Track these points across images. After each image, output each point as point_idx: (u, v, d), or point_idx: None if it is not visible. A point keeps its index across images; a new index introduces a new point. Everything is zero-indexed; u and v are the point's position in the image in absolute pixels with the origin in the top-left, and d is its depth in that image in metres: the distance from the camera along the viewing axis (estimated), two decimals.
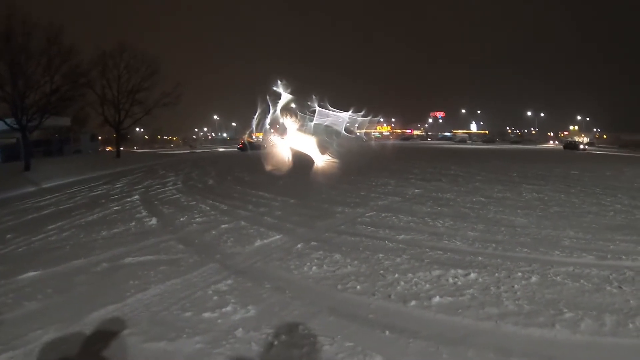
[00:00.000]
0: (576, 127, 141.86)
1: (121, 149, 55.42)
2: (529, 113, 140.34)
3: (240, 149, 67.34)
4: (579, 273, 6.98)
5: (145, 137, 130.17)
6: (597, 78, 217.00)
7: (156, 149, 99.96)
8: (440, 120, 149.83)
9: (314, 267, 7.10)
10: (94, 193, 17.74)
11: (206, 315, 5.32)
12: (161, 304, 5.67)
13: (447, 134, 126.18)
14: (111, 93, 49.52)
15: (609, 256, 7.99)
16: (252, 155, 48.88)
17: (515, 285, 6.37)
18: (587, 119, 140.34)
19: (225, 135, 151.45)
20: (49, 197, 17.35)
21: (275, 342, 4.67)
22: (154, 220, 11.12)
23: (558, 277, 6.74)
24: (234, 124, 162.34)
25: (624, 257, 7.97)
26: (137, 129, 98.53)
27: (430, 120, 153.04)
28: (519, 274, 6.86)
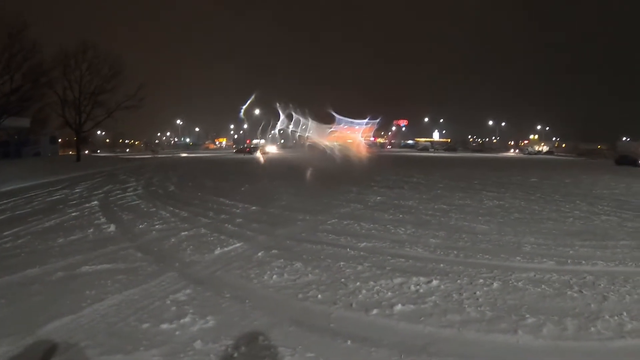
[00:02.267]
0: (536, 136, 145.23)
1: (82, 152, 54.48)
2: (490, 122, 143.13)
3: (247, 152, 79.55)
4: (540, 278, 7.05)
5: (107, 140, 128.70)
6: (557, 89, 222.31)
7: (118, 153, 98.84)
8: (404, 129, 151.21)
9: (274, 276, 6.99)
10: (52, 198, 17.34)
11: (164, 326, 5.16)
12: (118, 315, 5.49)
13: (409, 142, 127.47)
14: (72, 94, 48.57)
15: (569, 261, 8.11)
16: (223, 160, 48.87)
17: (477, 292, 6.37)
18: (547, 128, 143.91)
19: (188, 140, 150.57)
20: (5, 201, 16.94)
21: (235, 354, 4.56)
22: (112, 227, 10.87)
23: (519, 283, 6.79)
24: (197, 129, 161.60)
25: (583, 262, 8.11)
26: (99, 132, 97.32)
27: (393, 128, 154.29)
28: (481, 280, 6.88)
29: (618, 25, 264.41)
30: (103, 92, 49.82)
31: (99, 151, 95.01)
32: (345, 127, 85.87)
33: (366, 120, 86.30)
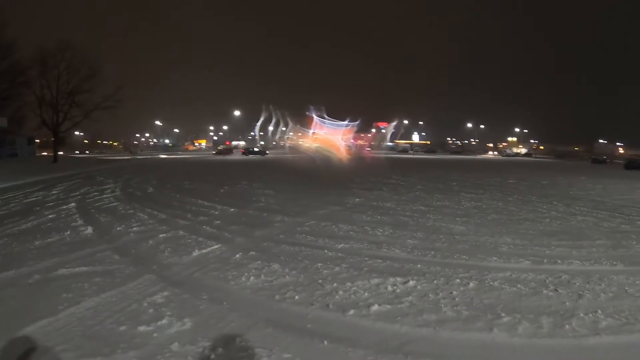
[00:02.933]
0: (514, 139, 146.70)
1: (59, 153, 53.86)
2: (469, 125, 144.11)
3: (242, 154, 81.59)
4: (516, 278, 7.13)
5: (85, 141, 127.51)
6: (535, 92, 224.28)
7: (96, 154, 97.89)
8: (384, 131, 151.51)
9: (251, 278, 6.97)
10: (29, 199, 17.10)
11: (141, 328, 5.12)
12: (95, 318, 5.44)
13: (389, 144, 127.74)
14: (50, 94, 47.99)
15: (545, 261, 8.22)
16: (202, 162, 48.63)
17: (454, 292, 6.42)
18: (525, 130, 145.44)
19: (167, 141, 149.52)
20: None
21: (212, 356, 4.54)
22: (89, 230, 10.74)
23: (496, 283, 6.85)
24: (176, 130, 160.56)
25: (559, 261, 8.23)
26: (76, 133, 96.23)
27: (373, 130, 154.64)
28: (457, 280, 6.93)
29: (597, 28, 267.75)
30: (81, 92, 49.33)
31: (77, 152, 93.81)
32: (326, 129, 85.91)
33: (346, 122, 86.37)
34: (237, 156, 74.76)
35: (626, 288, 6.80)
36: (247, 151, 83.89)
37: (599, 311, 5.79)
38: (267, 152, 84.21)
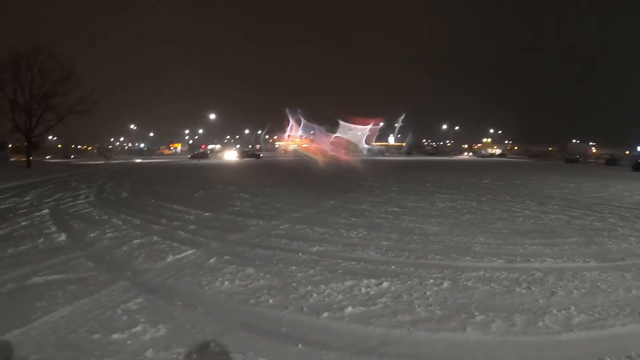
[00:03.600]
0: (489, 140, 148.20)
1: (32, 158, 53.01)
2: (445, 126, 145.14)
3: (202, 157, 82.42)
4: (490, 277, 7.23)
5: (59, 146, 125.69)
6: (508, 93, 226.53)
7: (70, 159, 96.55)
8: (360, 133, 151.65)
9: (226, 282, 6.95)
10: (1, 206, 16.81)
11: (115, 336, 5.07)
12: (69, 326, 5.37)
13: (366, 146, 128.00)
14: (23, 97, 47.02)
15: (518, 259, 8.34)
16: (177, 166, 48.28)
17: (428, 292, 6.47)
18: (500, 131, 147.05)
19: (142, 145, 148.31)
20: None
21: None
22: (63, 236, 10.60)
23: (469, 282, 6.93)
24: (151, 134, 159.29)
25: (532, 259, 8.36)
26: (50, 137, 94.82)
27: (350, 132, 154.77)
28: (431, 280, 6.99)
29: (568, 29, 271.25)
30: (55, 96, 48.33)
31: (47, 157, 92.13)
32: (303, 131, 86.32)
33: (325, 127, 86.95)
34: (211, 160, 74.39)
35: (599, 284, 6.95)
36: (244, 154, 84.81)
37: (572, 307, 5.91)
38: (260, 155, 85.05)
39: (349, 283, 6.85)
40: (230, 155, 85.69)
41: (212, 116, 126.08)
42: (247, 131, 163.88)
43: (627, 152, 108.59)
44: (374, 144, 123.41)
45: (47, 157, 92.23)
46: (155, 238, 10.28)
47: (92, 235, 10.74)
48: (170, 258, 8.50)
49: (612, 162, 74.73)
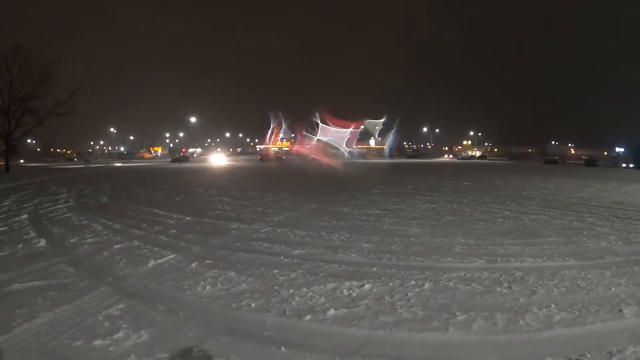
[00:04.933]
0: (469, 142, 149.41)
1: (11, 161, 52.32)
2: (425, 129, 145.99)
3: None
4: (471, 277, 7.30)
5: (38, 149, 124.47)
6: (488, 96, 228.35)
7: (49, 163, 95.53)
8: (340, 136, 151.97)
9: (208, 287, 6.92)
10: None
11: (97, 342, 5.03)
12: (50, 333, 5.31)
13: (346, 148, 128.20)
14: (1, 100, 46.49)
15: (498, 259, 8.44)
16: (158, 170, 47.98)
17: (409, 293, 6.51)
18: (480, 134, 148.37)
19: (122, 149, 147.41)
20: None
21: None
22: (43, 242, 10.47)
23: (450, 283, 6.99)
24: (131, 137, 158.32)
25: (512, 259, 8.46)
26: (29, 141, 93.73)
27: (330, 135, 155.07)
28: (413, 281, 7.03)
29: (548, 33, 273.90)
30: (34, 98, 47.82)
31: (21, 161, 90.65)
32: (286, 135, 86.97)
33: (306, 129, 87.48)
34: (192, 164, 74.07)
35: (578, 282, 7.08)
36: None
37: (553, 305, 6.00)
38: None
39: (331, 285, 6.87)
40: (219, 159, 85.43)
41: (193, 119, 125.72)
42: (227, 134, 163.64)
43: (606, 153, 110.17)
44: (355, 147, 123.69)
45: (20, 160, 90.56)
46: (136, 243, 10.19)
47: (72, 240, 10.62)
48: (151, 263, 8.43)
49: (591, 162, 76.51)
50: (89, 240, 10.64)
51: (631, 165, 72.89)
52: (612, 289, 6.79)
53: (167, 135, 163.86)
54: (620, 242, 10.14)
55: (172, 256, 8.93)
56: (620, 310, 5.90)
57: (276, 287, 6.85)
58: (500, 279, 7.19)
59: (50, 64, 49.39)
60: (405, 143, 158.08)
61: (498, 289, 6.68)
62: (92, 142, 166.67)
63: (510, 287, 6.77)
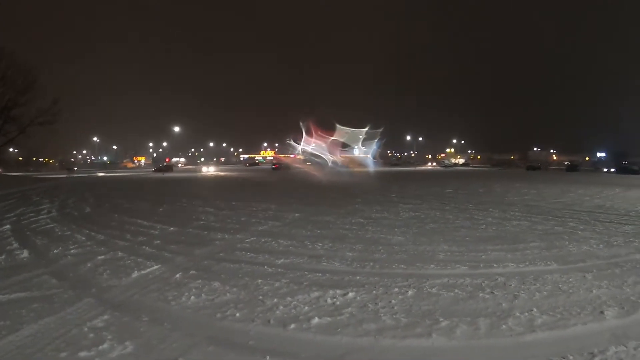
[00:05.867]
0: (452, 150, 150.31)
1: None
2: (408, 137, 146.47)
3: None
4: (454, 283, 7.37)
5: (20, 158, 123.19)
6: (470, 104, 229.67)
7: (31, 172, 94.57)
8: (324, 145, 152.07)
9: (192, 297, 6.91)
10: None
11: (82, 354, 5.02)
12: (35, 345, 5.29)
13: (329, 157, 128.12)
14: None
15: (481, 265, 8.53)
16: (141, 180, 47.72)
17: (393, 301, 6.55)
18: (462, 142, 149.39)
19: (105, 158, 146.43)
20: None
21: None
22: (25, 253, 10.42)
23: (433, 289, 7.05)
24: (114, 147, 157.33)
25: (495, 265, 8.56)
26: (11, 150, 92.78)
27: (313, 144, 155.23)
28: (396, 289, 7.08)
29: (530, 39, 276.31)
30: (16, 106, 47.38)
31: None
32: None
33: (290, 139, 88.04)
34: (176, 174, 73.77)
35: (560, 285, 7.20)
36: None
37: (535, 309, 6.10)
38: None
39: (315, 294, 6.89)
40: (208, 169, 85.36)
41: (176, 129, 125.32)
42: (211, 144, 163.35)
43: (587, 158, 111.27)
44: (338, 155, 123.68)
45: None
46: (119, 254, 10.14)
47: (55, 251, 10.56)
48: (135, 274, 8.40)
49: (572, 168, 77.54)
50: (72, 251, 10.57)
51: (612, 170, 73.69)
52: (594, 291, 6.91)
53: (151, 144, 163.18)
54: (601, 246, 10.31)
55: (156, 267, 8.90)
56: (602, 312, 6.01)
57: (260, 297, 6.86)
58: (483, 284, 7.28)
59: (33, 72, 48.90)
60: (388, 152, 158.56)
61: (481, 295, 6.76)
62: (74, 152, 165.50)
63: (493, 293, 6.85)
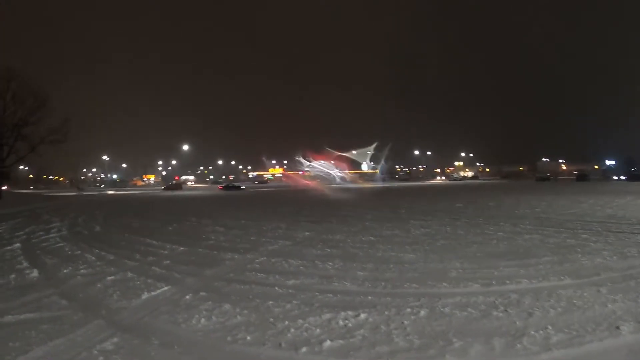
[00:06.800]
0: (461, 163, 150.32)
1: (4, 188, 52.08)
2: (417, 152, 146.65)
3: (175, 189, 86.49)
4: (466, 302, 7.25)
5: (30, 176, 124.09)
6: (477, 117, 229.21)
7: (41, 189, 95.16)
8: (332, 162, 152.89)
9: (202, 320, 6.84)
10: None
11: None
12: None
13: (338, 174, 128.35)
14: None
15: (494, 282, 8.40)
16: (150, 198, 47.85)
17: (405, 321, 6.45)
18: (471, 155, 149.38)
19: (115, 176, 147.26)
20: None
21: None
22: (35, 273, 10.45)
23: (446, 309, 6.94)
24: (124, 165, 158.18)
25: (507, 281, 8.43)
26: (21, 167, 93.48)
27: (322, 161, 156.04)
28: (408, 309, 6.98)
29: (535, 50, 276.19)
30: (27, 125, 47.82)
31: (4, 187, 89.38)
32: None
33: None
34: (185, 192, 74.09)
35: (574, 301, 7.08)
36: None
37: (550, 327, 5.99)
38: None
39: (327, 316, 6.80)
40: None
41: (185, 147, 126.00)
42: (220, 162, 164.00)
43: (596, 167, 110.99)
44: (346, 172, 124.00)
45: (3, 187, 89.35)
46: (129, 274, 10.11)
47: (65, 271, 10.58)
48: (145, 295, 8.35)
49: (582, 177, 77.42)
50: (82, 271, 10.58)
51: (622, 178, 73.49)
52: (609, 306, 6.82)
53: (160, 163, 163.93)
54: (615, 257, 10.23)
55: (166, 288, 8.84)
56: (618, 328, 5.92)
57: (271, 319, 6.77)
58: (496, 302, 7.17)
59: (44, 91, 49.45)
60: (397, 166, 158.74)
61: (494, 313, 6.66)
62: (84, 170, 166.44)
63: (507, 311, 6.74)
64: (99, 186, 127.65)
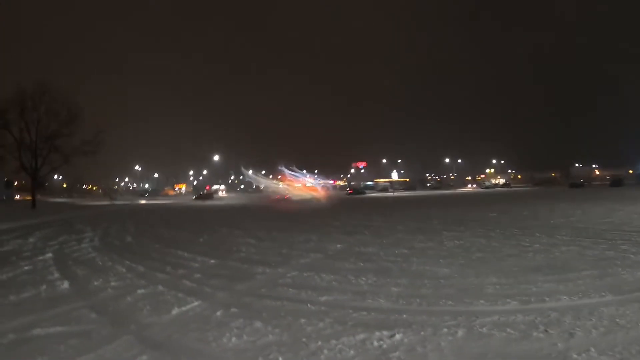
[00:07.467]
0: (492, 170, 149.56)
1: (37, 197, 53.19)
2: (447, 160, 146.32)
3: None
4: (505, 321, 6.99)
5: (64, 185, 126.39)
6: (507, 123, 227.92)
7: (74, 198, 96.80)
8: (362, 171, 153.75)
9: (233, 338, 6.70)
10: (4, 248, 17.01)
11: None
12: None
13: (369, 183, 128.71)
14: (29, 137, 47.79)
15: (532, 299, 8.11)
16: (182, 208, 48.27)
17: (442, 343, 6.24)
18: (502, 161, 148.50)
19: (147, 186, 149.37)
20: None
21: None
22: (66, 284, 10.51)
23: (484, 329, 6.70)
24: (156, 175, 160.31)
25: (547, 298, 8.14)
26: (55, 177, 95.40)
27: (352, 170, 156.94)
28: (445, 329, 6.75)
29: (562, 55, 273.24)
30: (60, 137, 49.09)
31: (37, 196, 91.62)
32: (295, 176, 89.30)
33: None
34: (215, 201, 74.68)
35: (617, 320, 6.80)
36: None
37: (592, 349, 5.72)
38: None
39: (361, 336, 6.60)
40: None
41: (216, 157, 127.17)
42: (250, 172, 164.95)
43: (631, 171, 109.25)
44: (377, 180, 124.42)
45: (36, 196, 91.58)
46: (160, 288, 10.05)
47: (95, 283, 10.60)
48: (175, 310, 8.26)
49: (616, 182, 76.37)
50: (112, 283, 10.59)
51: None
52: None
53: (191, 172, 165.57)
54: None
55: (196, 303, 8.73)
56: None
57: (304, 339, 6.60)
58: (536, 321, 6.90)
59: (77, 105, 50.82)
60: (427, 175, 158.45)
61: (534, 334, 6.40)
62: (117, 179, 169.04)
63: (547, 331, 6.48)
64: (133, 195, 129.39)
